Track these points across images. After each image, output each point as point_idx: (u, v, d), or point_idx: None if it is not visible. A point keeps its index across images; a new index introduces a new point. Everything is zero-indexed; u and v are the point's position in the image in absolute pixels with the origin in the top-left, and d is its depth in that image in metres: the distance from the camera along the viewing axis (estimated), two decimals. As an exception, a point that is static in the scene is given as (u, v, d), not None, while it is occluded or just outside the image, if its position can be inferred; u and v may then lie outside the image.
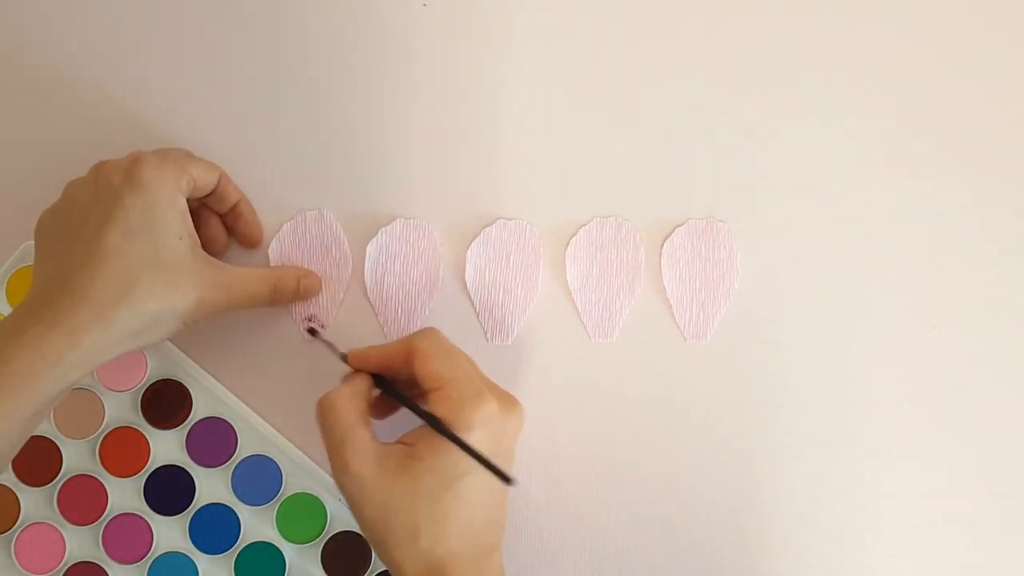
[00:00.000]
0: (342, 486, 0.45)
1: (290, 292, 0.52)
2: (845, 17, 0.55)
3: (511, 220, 0.55)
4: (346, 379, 0.48)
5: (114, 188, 0.47)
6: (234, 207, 0.53)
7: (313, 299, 0.54)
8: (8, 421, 0.43)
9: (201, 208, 0.53)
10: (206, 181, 0.50)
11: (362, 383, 0.47)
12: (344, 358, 0.48)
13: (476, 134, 0.55)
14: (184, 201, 0.49)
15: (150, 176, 0.47)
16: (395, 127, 0.55)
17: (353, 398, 0.46)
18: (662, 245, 0.55)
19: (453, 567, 0.43)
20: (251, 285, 0.50)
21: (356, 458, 0.44)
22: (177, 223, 0.48)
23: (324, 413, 0.45)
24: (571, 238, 0.55)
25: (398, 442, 0.45)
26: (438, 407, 0.44)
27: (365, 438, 0.45)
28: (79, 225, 0.46)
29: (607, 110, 0.55)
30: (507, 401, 0.46)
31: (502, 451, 0.45)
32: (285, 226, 0.55)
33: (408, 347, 0.46)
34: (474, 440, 0.43)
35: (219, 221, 0.54)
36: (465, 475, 0.43)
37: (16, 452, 0.46)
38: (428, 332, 0.47)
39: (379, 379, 0.47)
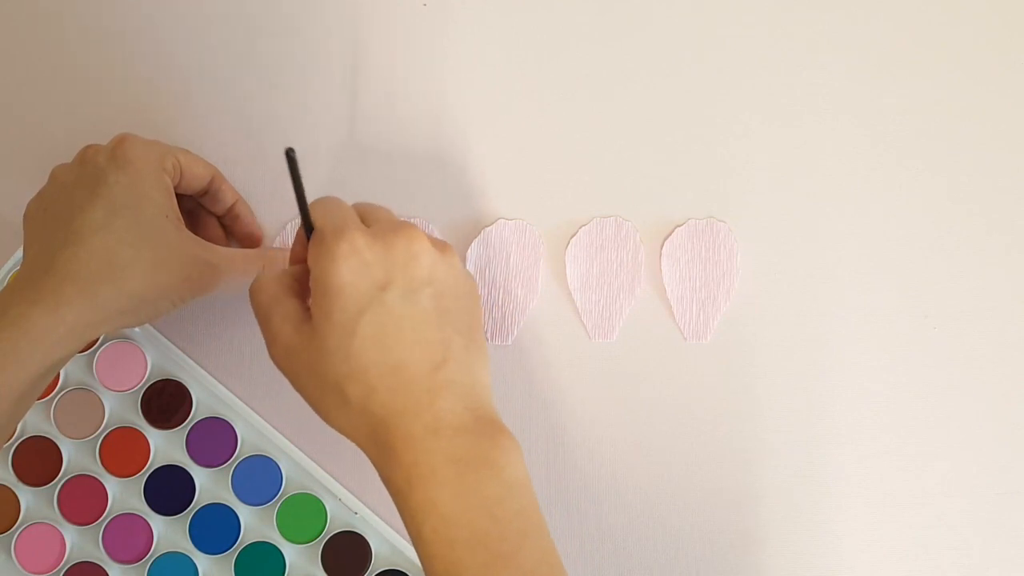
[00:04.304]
0: (275, 362, 0.42)
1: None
2: (844, 17, 0.55)
3: (511, 220, 0.55)
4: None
5: (99, 167, 0.47)
6: (231, 208, 0.53)
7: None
8: None
9: (199, 209, 0.53)
10: (195, 172, 0.50)
11: (294, 268, 0.44)
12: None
13: (476, 134, 0.55)
14: (169, 181, 0.48)
15: (135, 154, 0.47)
16: (394, 127, 0.55)
17: (281, 276, 0.43)
18: (662, 245, 0.55)
19: (394, 426, 0.39)
20: (239, 264, 0.50)
21: (281, 327, 0.41)
22: (162, 200, 0.47)
23: (252, 296, 0.42)
24: (571, 238, 0.55)
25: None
26: (309, 254, 0.41)
27: (291, 306, 0.41)
28: (64, 206, 0.46)
29: (607, 110, 0.55)
30: (387, 228, 0.41)
31: (402, 279, 0.40)
32: (288, 225, 0.55)
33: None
34: (343, 273, 0.39)
35: (217, 223, 0.54)
36: (361, 314, 0.39)
37: (8, 433, 0.46)
38: (323, 197, 0.43)
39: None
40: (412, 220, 0.55)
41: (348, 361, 0.40)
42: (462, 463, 0.39)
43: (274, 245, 0.55)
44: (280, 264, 0.52)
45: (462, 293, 0.43)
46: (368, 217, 0.43)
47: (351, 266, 0.39)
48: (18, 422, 0.46)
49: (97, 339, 0.53)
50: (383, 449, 0.40)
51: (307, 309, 0.42)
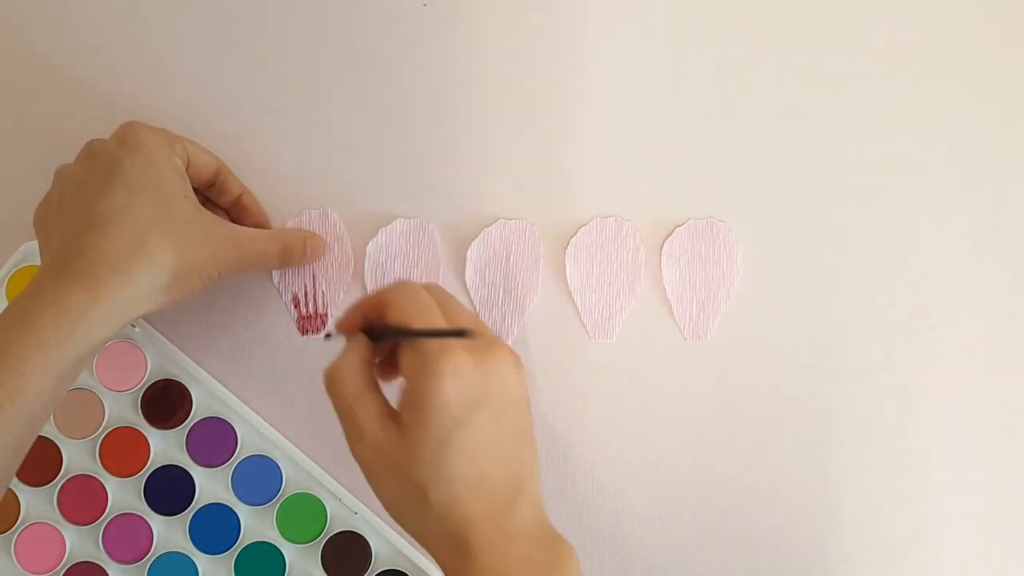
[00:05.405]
0: (356, 456, 0.43)
1: (299, 252, 0.53)
2: (844, 17, 0.55)
3: (511, 220, 0.55)
4: (346, 347, 0.45)
5: (109, 154, 0.47)
6: (238, 201, 0.53)
7: (314, 298, 0.55)
8: (38, 378, 0.43)
9: (206, 203, 0.54)
10: (201, 160, 0.51)
11: (360, 346, 0.44)
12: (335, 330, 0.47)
13: (476, 134, 0.55)
14: (180, 164, 0.49)
15: (145, 137, 0.47)
16: (395, 127, 0.55)
17: (357, 364, 0.43)
18: (662, 245, 0.55)
19: (473, 531, 0.41)
20: (260, 243, 0.51)
21: (368, 423, 0.42)
22: (177, 180, 0.48)
23: (331, 384, 0.43)
24: (571, 238, 0.55)
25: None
26: (405, 362, 0.42)
27: (376, 402, 0.43)
28: (78, 197, 0.46)
29: (607, 110, 0.55)
30: (483, 347, 0.42)
31: (494, 399, 0.42)
32: (289, 223, 0.55)
33: (379, 300, 0.44)
34: (447, 391, 0.40)
35: (226, 216, 0.54)
36: (458, 428, 0.41)
37: (49, 414, 0.46)
38: (400, 284, 0.45)
39: (369, 330, 0.45)
40: (411, 220, 0.55)
41: (435, 470, 0.41)
42: (534, 569, 0.41)
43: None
44: (300, 247, 0.52)
45: (525, 403, 0.45)
46: (452, 315, 0.44)
47: (454, 385, 0.41)
48: (55, 406, 0.46)
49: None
50: (459, 552, 0.41)
51: (387, 404, 0.43)
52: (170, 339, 0.54)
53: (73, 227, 0.46)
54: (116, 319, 0.45)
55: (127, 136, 0.47)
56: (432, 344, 0.42)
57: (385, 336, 0.45)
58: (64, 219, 0.46)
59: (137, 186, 0.46)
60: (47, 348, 0.43)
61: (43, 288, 0.44)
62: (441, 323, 0.43)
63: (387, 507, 0.43)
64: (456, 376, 0.41)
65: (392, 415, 0.43)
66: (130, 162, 0.46)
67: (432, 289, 0.45)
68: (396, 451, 0.42)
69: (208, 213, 0.49)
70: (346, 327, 0.46)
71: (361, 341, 0.45)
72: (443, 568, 0.42)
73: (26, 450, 0.46)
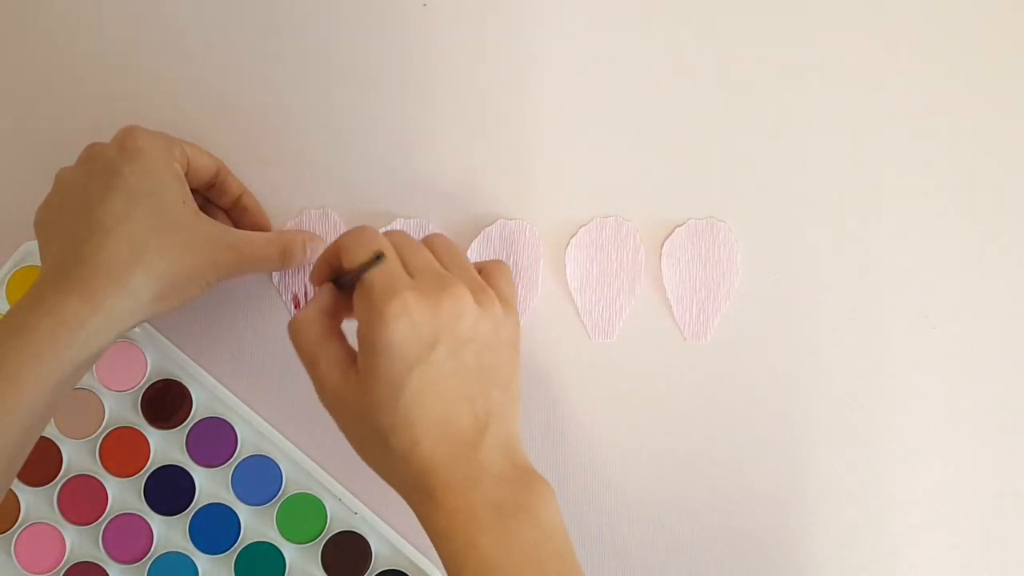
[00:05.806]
0: (325, 405, 0.43)
1: (299, 254, 0.52)
2: (844, 18, 0.55)
3: (511, 220, 0.55)
4: (312, 297, 0.46)
5: (109, 159, 0.47)
6: (238, 201, 0.53)
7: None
8: (35, 387, 0.43)
9: (206, 204, 0.54)
10: (201, 163, 0.51)
11: (325, 295, 0.45)
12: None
13: (476, 134, 0.55)
14: (179, 168, 0.49)
15: (144, 143, 0.47)
16: (395, 127, 0.55)
17: (315, 314, 0.44)
18: (662, 245, 0.55)
19: (436, 475, 0.41)
20: (259, 246, 0.51)
21: (328, 372, 0.43)
22: (177, 187, 0.48)
23: (292, 335, 0.44)
24: (571, 238, 0.55)
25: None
26: (356, 306, 0.42)
27: (335, 350, 0.43)
28: (79, 202, 0.46)
29: (607, 110, 0.55)
30: (436, 286, 0.42)
31: (448, 337, 0.41)
32: (289, 223, 0.55)
33: (335, 246, 0.44)
34: (395, 333, 0.40)
35: (225, 216, 0.54)
36: (408, 372, 0.41)
37: (45, 423, 0.46)
38: (354, 229, 0.44)
39: (335, 279, 0.46)
40: (412, 220, 0.55)
41: (394, 415, 0.41)
42: (502, 510, 0.41)
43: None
44: (299, 248, 0.52)
45: (502, 344, 0.44)
46: (407, 258, 0.44)
47: (401, 326, 0.41)
48: (54, 413, 0.46)
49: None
50: (424, 496, 0.41)
51: (350, 351, 0.43)
52: (170, 339, 0.54)
53: (72, 233, 0.46)
54: (114, 328, 0.45)
55: (127, 141, 0.47)
56: (380, 286, 0.41)
57: (343, 283, 0.45)
58: (64, 224, 0.46)
59: (136, 193, 0.46)
60: (44, 358, 0.43)
61: (42, 296, 0.44)
62: (396, 264, 0.43)
63: (357, 453, 0.44)
64: (404, 317, 0.41)
65: (354, 362, 0.43)
66: (129, 169, 0.46)
67: (391, 234, 0.45)
68: (356, 398, 0.42)
69: (206, 218, 0.49)
70: (315, 279, 0.46)
71: (324, 290, 0.45)
72: (413, 511, 0.42)
73: (24, 457, 0.46)
